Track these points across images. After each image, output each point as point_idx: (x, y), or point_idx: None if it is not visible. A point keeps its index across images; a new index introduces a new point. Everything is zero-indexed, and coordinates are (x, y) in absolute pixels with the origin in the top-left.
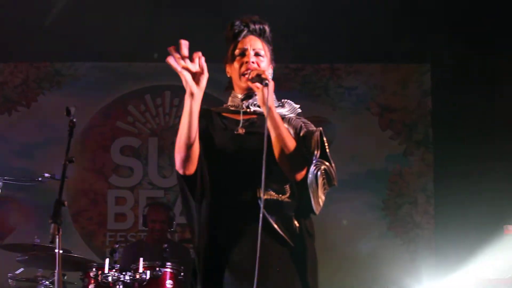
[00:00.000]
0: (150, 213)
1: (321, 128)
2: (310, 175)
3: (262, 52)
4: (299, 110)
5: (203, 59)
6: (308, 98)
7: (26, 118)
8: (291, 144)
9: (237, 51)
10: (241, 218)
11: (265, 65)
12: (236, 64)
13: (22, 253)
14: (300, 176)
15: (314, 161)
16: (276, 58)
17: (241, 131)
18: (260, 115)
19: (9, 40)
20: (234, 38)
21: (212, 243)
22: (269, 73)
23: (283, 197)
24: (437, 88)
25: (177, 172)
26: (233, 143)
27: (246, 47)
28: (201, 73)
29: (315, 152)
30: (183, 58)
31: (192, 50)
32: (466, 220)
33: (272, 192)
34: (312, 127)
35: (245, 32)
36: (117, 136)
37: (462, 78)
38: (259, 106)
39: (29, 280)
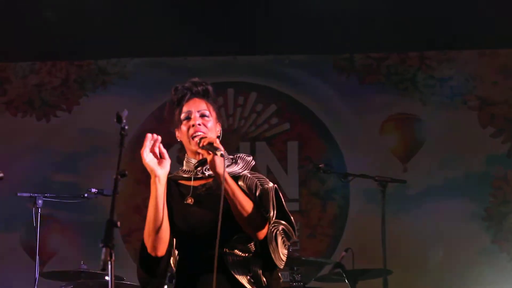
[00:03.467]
0: None
1: (275, 186)
2: (268, 235)
3: (207, 113)
4: (253, 163)
5: (161, 146)
6: (393, 92)
7: (67, 125)
8: (249, 207)
9: (182, 115)
10: (207, 270)
11: (212, 125)
12: (183, 128)
13: (66, 282)
14: (262, 234)
15: (271, 222)
16: (353, 47)
17: (190, 200)
18: (211, 177)
19: (46, 36)
20: (179, 103)
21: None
22: (217, 130)
23: (249, 255)
24: None
25: (144, 258)
26: (187, 213)
27: (190, 109)
28: (163, 158)
29: (272, 212)
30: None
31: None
32: None
33: (238, 252)
34: (268, 184)
35: (188, 95)
36: (174, 142)
37: None
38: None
39: None
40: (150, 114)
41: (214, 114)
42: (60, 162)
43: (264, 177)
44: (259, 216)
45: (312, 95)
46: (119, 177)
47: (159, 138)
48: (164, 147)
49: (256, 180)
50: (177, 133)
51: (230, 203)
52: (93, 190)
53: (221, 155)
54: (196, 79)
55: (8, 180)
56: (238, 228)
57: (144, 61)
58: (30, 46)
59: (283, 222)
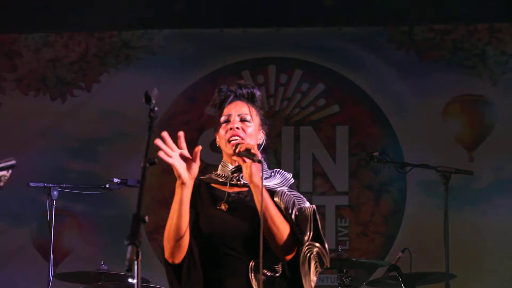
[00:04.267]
0: None
1: (314, 206)
2: (302, 258)
3: (248, 117)
4: (292, 181)
5: (199, 148)
6: (459, 70)
7: (86, 106)
8: (281, 224)
9: (222, 118)
10: (233, 283)
11: (252, 131)
12: (222, 131)
13: (84, 284)
14: (289, 256)
15: (306, 243)
16: (413, 18)
17: (223, 207)
18: (246, 185)
19: (61, 3)
20: (221, 105)
21: None
22: (259, 138)
23: (275, 276)
24: None
25: (166, 262)
26: (219, 219)
27: (231, 112)
28: (193, 161)
29: (308, 233)
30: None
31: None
32: None
33: (265, 270)
34: (305, 203)
35: (231, 97)
36: (207, 126)
37: None
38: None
39: None
40: (181, 94)
41: (257, 120)
42: (77, 148)
43: (302, 196)
44: (290, 236)
45: (365, 73)
46: (147, 165)
47: (182, 134)
48: (197, 131)
49: (294, 198)
50: (217, 137)
51: (260, 215)
52: (116, 180)
53: (259, 161)
54: (242, 81)
55: (18, 168)
56: (267, 245)
57: (174, 33)
58: (43, 15)
59: (317, 245)
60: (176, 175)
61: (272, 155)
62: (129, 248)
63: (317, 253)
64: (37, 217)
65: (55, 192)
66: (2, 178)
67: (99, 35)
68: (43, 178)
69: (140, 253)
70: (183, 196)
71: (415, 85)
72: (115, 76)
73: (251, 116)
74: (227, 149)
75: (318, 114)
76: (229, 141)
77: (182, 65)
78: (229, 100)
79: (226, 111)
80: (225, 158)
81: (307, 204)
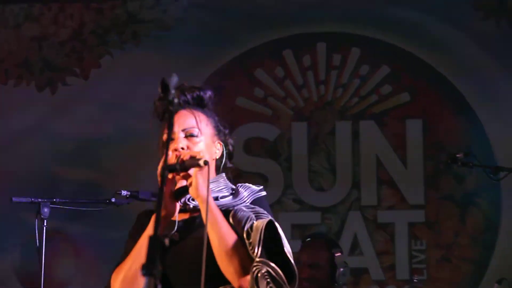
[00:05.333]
0: (303, 249)
1: (269, 218)
2: (250, 280)
3: (195, 131)
4: (262, 194)
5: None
6: None
7: (82, 97)
8: (232, 242)
9: (165, 136)
10: None
11: (202, 146)
12: (169, 152)
13: None
14: (246, 283)
15: (254, 262)
16: None
17: (167, 241)
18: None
19: None
20: (162, 117)
21: None
22: (215, 152)
23: None
24: None
25: None
26: (169, 254)
27: (173, 128)
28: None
29: (256, 249)
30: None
31: None
32: None
33: None
34: (265, 218)
35: (174, 108)
36: (238, 122)
37: None
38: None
39: None
40: (205, 82)
41: (209, 130)
42: (73, 152)
43: (267, 212)
44: (244, 258)
45: (443, 51)
46: (167, 172)
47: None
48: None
49: (252, 213)
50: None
51: (210, 238)
52: (124, 192)
53: (205, 163)
54: (184, 84)
55: None
56: (223, 277)
57: (195, 2)
58: None
59: (270, 263)
60: (164, 205)
61: (324, 158)
62: (146, 280)
63: (268, 272)
64: (22, 242)
65: (45, 209)
66: None
67: (97, 6)
68: (29, 191)
69: (159, 286)
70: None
71: (509, 65)
72: (119, 59)
73: (199, 129)
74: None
75: (383, 105)
76: None
77: (205, 44)
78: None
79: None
80: None
81: (267, 218)
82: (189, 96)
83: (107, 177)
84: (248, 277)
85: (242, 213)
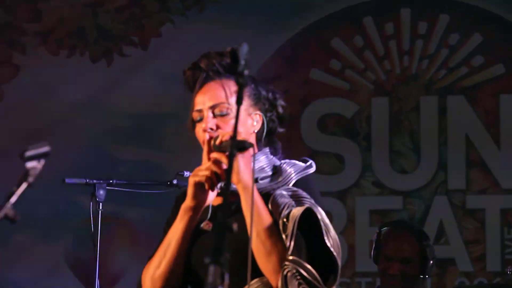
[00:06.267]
0: (387, 242)
1: (307, 206)
2: (280, 281)
3: (224, 108)
4: (309, 171)
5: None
6: None
7: (141, 69)
8: (271, 236)
9: (194, 114)
10: None
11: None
12: (198, 133)
13: None
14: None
15: (287, 260)
16: None
17: (206, 226)
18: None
19: None
20: (192, 91)
21: None
22: (254, 125)
23: None
24: None
25: None
26: (205, 241)
27: (200, 107)
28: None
29: (288, 244)
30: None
31: None
32: None
33: None
34: (309, 204)
35: (202, 78)
36: (312, 96)
37: None
38: None
39: None
40: (276, 52)
41: (247, 100)
42: (130, 129)
43: (308, 196)
44: (283, 254)
45: None
46: (235, 152)
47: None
48: (299, 103)
49: (291, 199)
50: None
51: (247, 228)
52: (187, 173)
53: (250, 145)
54: (211, 52)
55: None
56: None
57: None
58: None
59: (303, 263)
60: (190, 195)
61: (407, 137)
62: (211, 268)
63: (298, 272)
64: (74, 227)
65: (101, 192)
66: (32, 172)
67: None
68: (83, 171)
69: (227, 276)
70: (189, 225)
71: None
72: (182, 27)
73: (230, 103)
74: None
75: (474, 78)
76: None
77: (276, 11)
78: (198, 84)
79: (196, 101)
80: (203, 147)
81: (306, 205)
82: (217, 65)
83: (168, 156)
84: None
85: (281, 199)
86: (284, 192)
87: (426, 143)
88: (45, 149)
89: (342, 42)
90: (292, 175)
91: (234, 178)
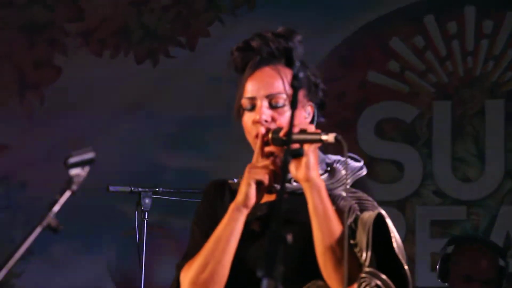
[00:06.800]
0: (464, 260)
1: (380, 211)
2: None
3: (281, 100)
4: (361, 173)
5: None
6: None
7: (189, 70)
8: (342, 243)
9: (244, 101)
10: None
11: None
12: (247, 119)
13: None
14: None
15: (363, 271)
16: None
17: (255, 226)
18: (295, 193)
19: None
20: (242, 73)
21: None
22: (305, 116)
23: None
24: None
25: None
26: (253, 244)
27: (254, 94)
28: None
29: (364, 254)
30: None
31: None
32: None
33: None
34: (370, 209)
35: (255, 62)
36: (370, 100)
37: None
38: (293, 180)
39: None
40: (331, 53)
41: (301, 91)
42: (176, 134)
43: (370, 199)
44: (353, 263)
45: None
46: (289, 158)
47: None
48: (354, 107)
49: (355, 202)
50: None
51: (313, 227)
52: (235, 181)
53: (336, 139)
54: (266, 32)
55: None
56: (316, 273)
57: None
58: None
59: (381, 275)
60: (244, 192)
61: (471, 143)
62: (265, 283)
63: (377, 286)
64: (119, 238)
65: (147, 200)
66: (76, 179)
67: None
68: (127, 178)
69: None
70: (240, 226)
71: None
72: (231, 26)
73: (287, 93)
74: (255, 147)
75: None
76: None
77: (331, 8)
78: (251, 67)
79: (248, 88)
80: (251, 141)
81: (374, 210)
82: (274, 47)
83: (216, 163)
84: (355, 287)
85: (343, 201)
86: (344, 194)
87: (491, 150)
88: (89, 155)
89: (402, 42)
90: (349, 174)
91: (300, 175)
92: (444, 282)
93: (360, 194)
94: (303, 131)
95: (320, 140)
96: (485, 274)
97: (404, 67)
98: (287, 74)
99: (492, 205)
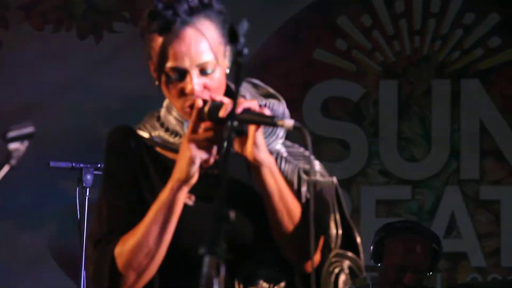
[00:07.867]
0: (395, 249)
1: (334, 178)
2: (324, 274)
3: (210, 64)
4: (290, 123)
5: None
6: None
7: (131, 46)
8: (298, 216)
9: (170, 71)
10: None
11: (220, 76)
12: (173, 91)
13: None
14: (308, 265)
15: (333, 252)
16: None
17: (189, 201)
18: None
19: None
20: (160, 34)
21: None
22: (225, 69)
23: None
24: None
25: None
26: (189, 218)
27: (182, 64)
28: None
29: (334, 232)
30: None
31: None
32: None
33: (264, 284)
34: (316, 174)
35: (176, 25)
36: (316, 78)
37: None
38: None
39: None
40: (277, 31)
41: (220, 43)
42: (120, 110)
43: (306, 153)
44: (306, 236)
45: None
46: (233, 135)
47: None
48: (301, 86)
49: (297, 165)
50: (162, 87)
51: (268, 207)
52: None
53: (295, 127)
54: None
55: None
56: (268, 250)
57: None
58: None
59: (349, 254)
60: (181, 166)
61: (417, 123)
62: (206, 259)
63: (349, 268)
64: (59, 214)
65: (88, 176)
66: (14, 153)
67: None
68: (69, 154)
69: (222, 268)
70: (180, 200)
71: None
72: None
73: (214, 54)
74: (186, 115)
75: (490, 61)
76: (191, 107)
77: None
78: (173, 31)
79: (173, 57)
80: (178, 108)
81: (326, 178)
82: (192, 3)
83: None
84: (316, 259)
85: (286, 165)
86: (285, 153)
87: (437, 130)
88: (29, 129)
89: (349, 20)
90: (277, 111)
91: (249, 155)
92: (376, 264)
93: (297, 148)
94: (246, 111)
95: (275, 125)
96: (418, 264)
97: (351, 46)
98: (209, 29)
99: (437, 185)
